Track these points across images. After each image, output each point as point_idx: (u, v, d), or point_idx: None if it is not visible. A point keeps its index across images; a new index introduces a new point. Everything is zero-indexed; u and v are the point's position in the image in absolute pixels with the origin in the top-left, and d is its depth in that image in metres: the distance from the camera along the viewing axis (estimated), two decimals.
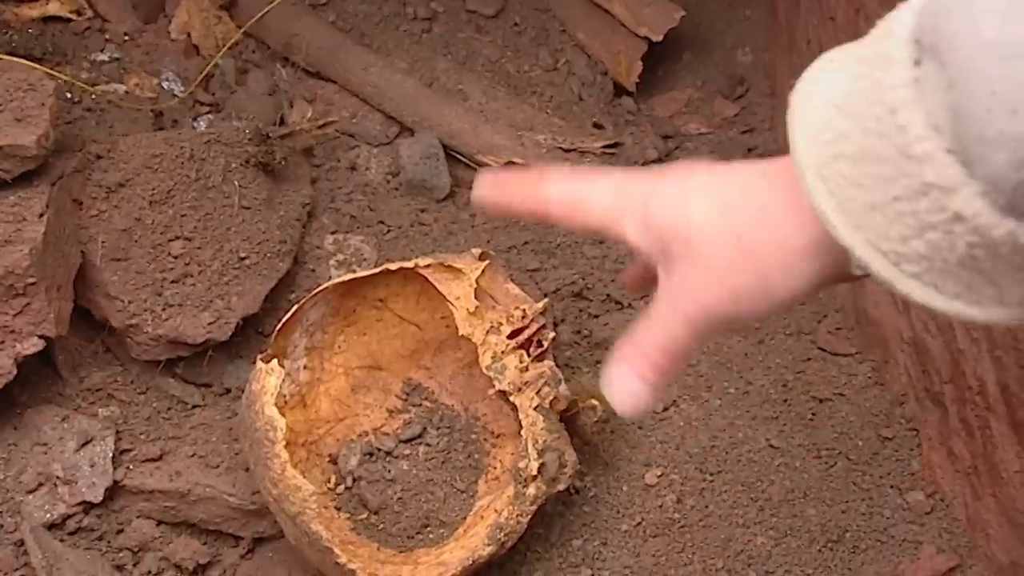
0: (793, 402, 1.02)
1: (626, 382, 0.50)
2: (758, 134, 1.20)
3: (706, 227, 0.47)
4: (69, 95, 1.04)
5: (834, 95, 0.44)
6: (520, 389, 0.93)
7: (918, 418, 0.97)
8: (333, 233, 1.09)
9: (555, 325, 1.07)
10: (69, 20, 1.13)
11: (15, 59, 0.92)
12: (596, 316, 1.09)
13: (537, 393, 0.93)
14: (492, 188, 0.53)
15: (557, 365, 0.97)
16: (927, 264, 0.43)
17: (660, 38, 1.20)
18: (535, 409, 0.92)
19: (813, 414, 1.01)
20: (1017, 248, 0.41)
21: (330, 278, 1.06)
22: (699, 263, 0.47)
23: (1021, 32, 0.38)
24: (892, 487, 0.96)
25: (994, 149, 0.39)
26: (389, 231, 1.11)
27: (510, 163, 1.14)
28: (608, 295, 1.10)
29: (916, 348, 0.95)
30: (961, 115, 0.39)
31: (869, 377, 1.03)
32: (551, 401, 0.92)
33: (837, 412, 1.01)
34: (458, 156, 1.16)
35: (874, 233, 0.44)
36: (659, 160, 1.17)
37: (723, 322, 0.49)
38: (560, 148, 1.14)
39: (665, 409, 1.03)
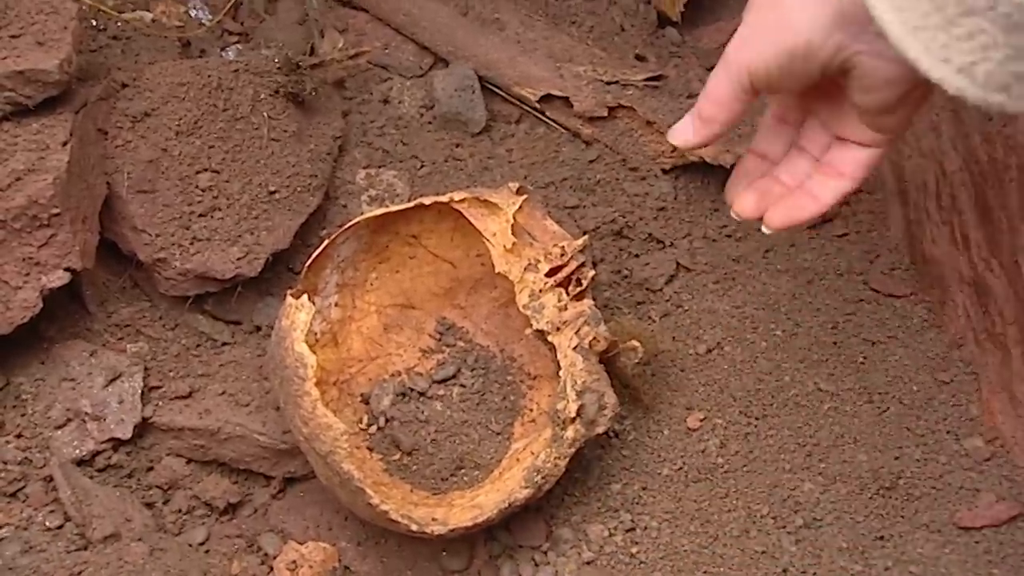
0: (843, 345, 0.97)
1: (681, 125, 0.65)
2: None
3: None
4: (94, 22, 1.01)
5: None
6: (559, 328, 0.90)
7: (977, 361, 0.92)
8: (365, 168, 1.06)
9: (594, 264, 1.03)
10: None
11: None
12: (637, 255, 1.05)
13: (576, 333, 0.89)
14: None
15: (596, 305, 0.94)
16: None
17: None
18: (574, 349, 0.88)
19: (865, 357, 0.96)
20: None
21: (362, 214, 1.03)
22: (743, 22, 0.60)
23: None
24: (949, 433, 0.91)
25: None
26: (423, 166, 1.07)
27: (548, 96, 1.09)
28: (649, 234, 1.05)
29: (976, 288, 0.91)
30: None
31: (924, 319, 0.98)
32: (591, 341, 0.89)
33: (890, 355, 0.96)
34: (494, 88, 1.11)
35: None
36: None
37: (747, 65, 0.59)
38: (600, 80, 1.09)
39: (709, 351, 0.99)
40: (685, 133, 0.65)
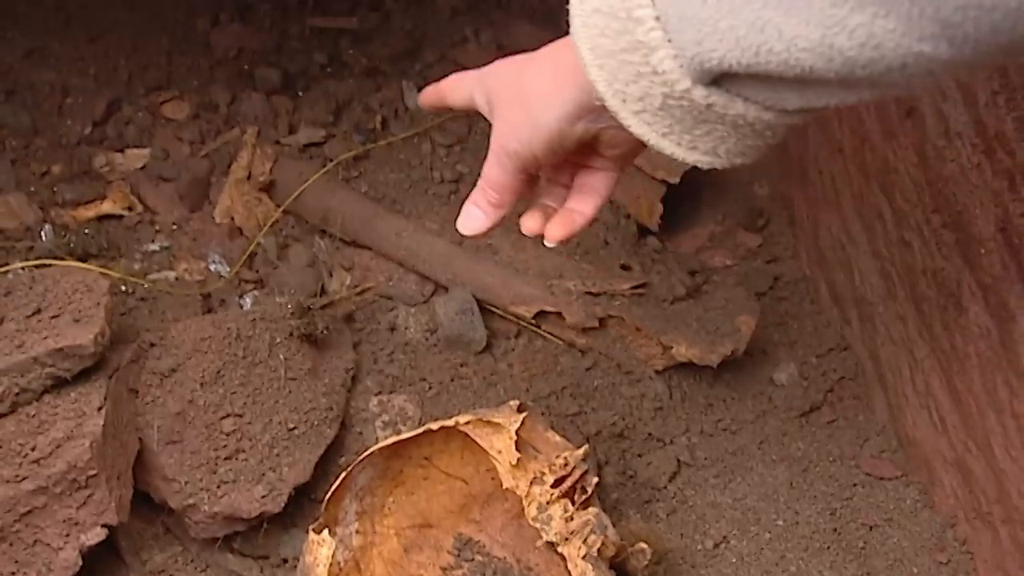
0: (843, 531, 1.01)
1: (466, 215, 0.75)
2: (782, 263, 1.22)
3: (504, 89, 0.68)
4: (124, 287, 1.11)
5: None
6: (567, 539, 0.94)
7: (971, 540, 0.96)
8: (377, 394, 1.13)
9: (599, 468, 1.08)
10: (121, 216, 1.21)
11: (73, 263, 0.99)
12: (639, 455, 1.10)
13: (584, 542, 0.94)
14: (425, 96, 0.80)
15: (604, 508, 0.98)
16: (642, 105, 0.57)
17: (677, 180, 1.25)
18: (583, 558, 0.92)
19: (864, 542, 1.00)
20: (693, 104, 0.56)
21: (377, 439, 1.09)
22: (497, 115, 0.69)
23: None
24: None
25: (687, 25, 0.52)
26: (431, 388, 1.14)
27: (542, 312, 1.17)
28: (649, 433, 1.11)
29: (960, 469, 0.95)
30: None
31: (917, 500, 1.02)
32: (599, 548, 0.93)
33: (889, 538, 1.00)
34: (492, 308, 1.20)
35: (610, 74, 0.58)
36: (688, 296, 1.19)
37: (515, 155, 0.69)
38: (589, 293, 1.17)
39: (716, 546, 1.03)
40: (477, 222, 0.76)
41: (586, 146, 0.70)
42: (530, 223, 0.78)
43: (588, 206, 0.75)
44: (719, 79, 0.54)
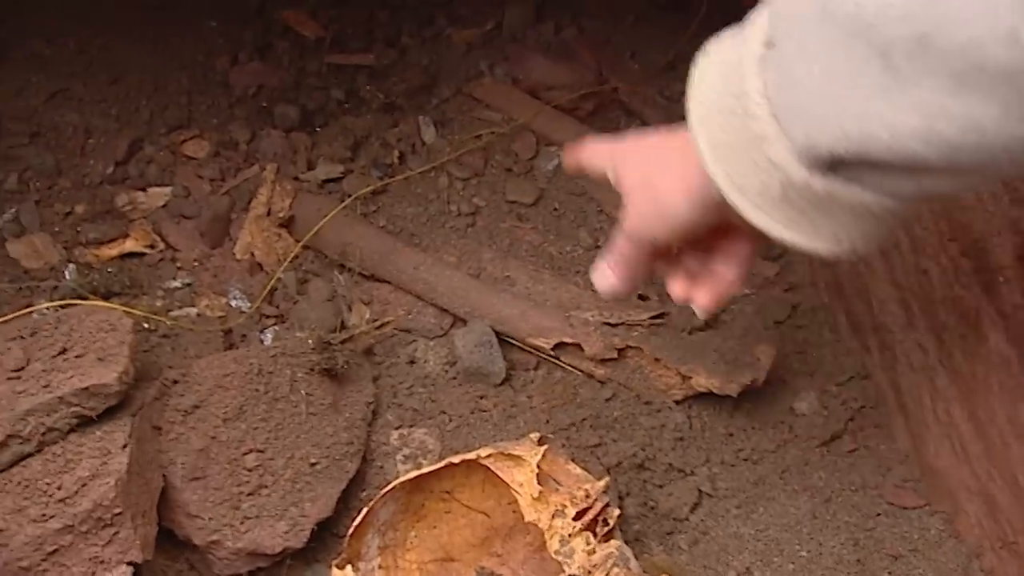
0: (867, 561, 1.00)
1: (601, 275, 0.78)
2: (799, 291, 1.22)
3: (632, 176, 0.71)
4: (146, 325, 1.12)
5: (718, 64, 0.60)
6: (589, 572, 0.94)
7: (997, 570, 0.95)
8: (398, 428, 1.14)
9: (620, 499, 1.08)
10: (143, 254, 1.22)
11: (97, 302, 1.01)
12: (660, 486, 1.10)
13: (606, 574, 0.94)
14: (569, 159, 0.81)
15: (626, 540, 0.98)
16: (762, 198, 0.59)
17: None
18: None
19: (889, 573, 0.99)
20: (813, 193, 0.57)
21: (397, 473, 1.10)
22: (625, 198, 0.71)
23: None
24: None
25: (796, 117, 0.54)
26: (451, 421, 1.15)
27: (561, 343, 1.18)
28: (670, 464, 1.11)
29: (984, 498, 0.95)
30: (783, 89, 0.55)
31: (942, 530, 1.01)
32: None
33: (914, 569, 0.99)
34: (511, 340, 1.20)
35: (730, 168, 0.60)
36: (706, 326, 1.19)
37: (644, 239, 0.72)
38: (607, 324, 1.18)
39: None
40: (605, 281, 0.78)
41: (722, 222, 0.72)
42: (677, 289, 0.80)
43: (731, 271, 0.76)
44: (835, 167, 0.56)
